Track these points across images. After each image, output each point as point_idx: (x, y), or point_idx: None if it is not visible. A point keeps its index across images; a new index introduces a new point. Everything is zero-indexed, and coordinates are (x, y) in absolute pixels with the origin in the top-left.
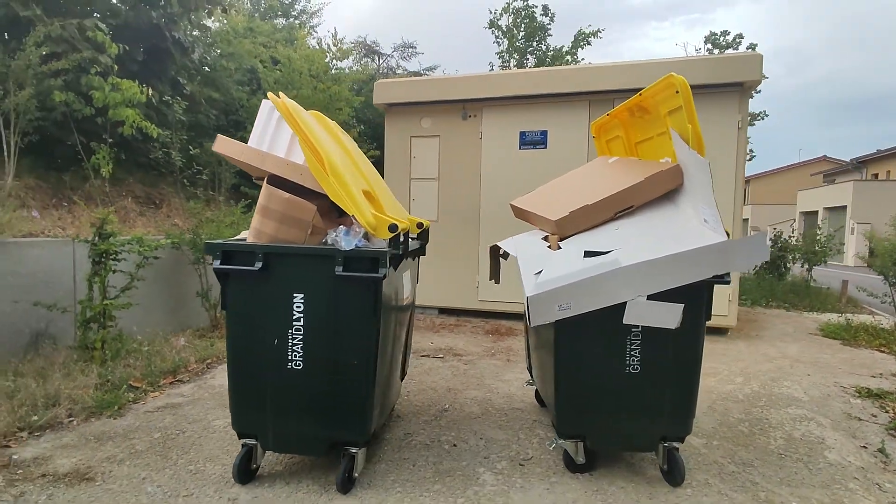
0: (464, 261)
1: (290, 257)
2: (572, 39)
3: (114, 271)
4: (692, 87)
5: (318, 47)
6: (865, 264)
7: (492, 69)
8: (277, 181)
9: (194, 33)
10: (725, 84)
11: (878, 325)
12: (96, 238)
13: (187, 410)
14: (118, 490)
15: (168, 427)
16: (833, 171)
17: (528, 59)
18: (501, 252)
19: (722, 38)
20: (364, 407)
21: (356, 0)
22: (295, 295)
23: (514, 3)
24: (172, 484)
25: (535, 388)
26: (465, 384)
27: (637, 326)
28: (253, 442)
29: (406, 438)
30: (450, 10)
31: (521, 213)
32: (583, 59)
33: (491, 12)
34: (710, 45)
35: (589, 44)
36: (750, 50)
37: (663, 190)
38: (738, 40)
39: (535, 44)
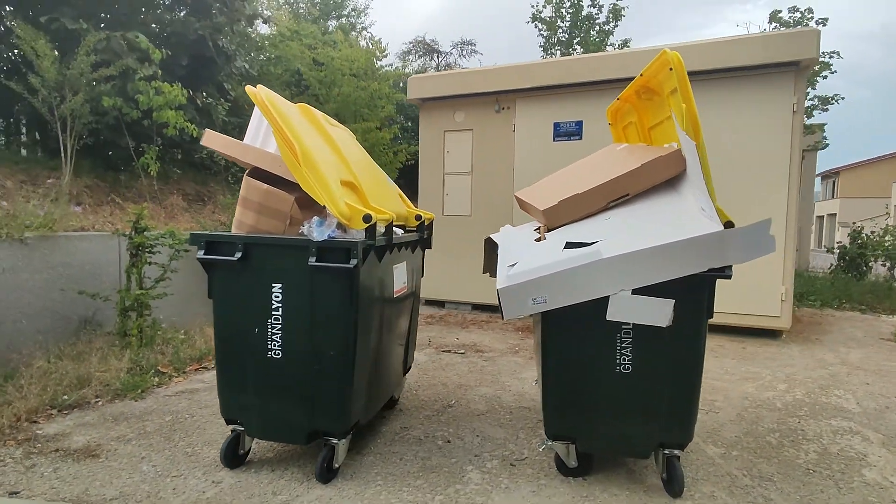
0: None
1: (268, 248)
2: (609, 14)
3: (149, 263)
4: (740, 68)
5: (366, 47)
6: None
7: None
8: (261, 173)
9: (237, 41)
10: (778, 64)
11: None
12: (132, 232)
13: (202, 396)
14: (117, 467)
15: (180, 411)
16: None
17: (574, 49)
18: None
19: (790, 16)
20: (343, 398)
21: (420, 1)
22: (273, 285)
23: None
24: (167, 464)
25: None
26: (478, 381)
27: (628, 323)
28: (240, 428)
29: (401, 432)
30: (512, 6)
31: (523, 205)
32: (628, 41)
33: (532, 6)
34: (775, 24)
35: (623, 16)
36: (820, 26)
37: (662, 177)
38: (807, 17)
39: (581, 35)
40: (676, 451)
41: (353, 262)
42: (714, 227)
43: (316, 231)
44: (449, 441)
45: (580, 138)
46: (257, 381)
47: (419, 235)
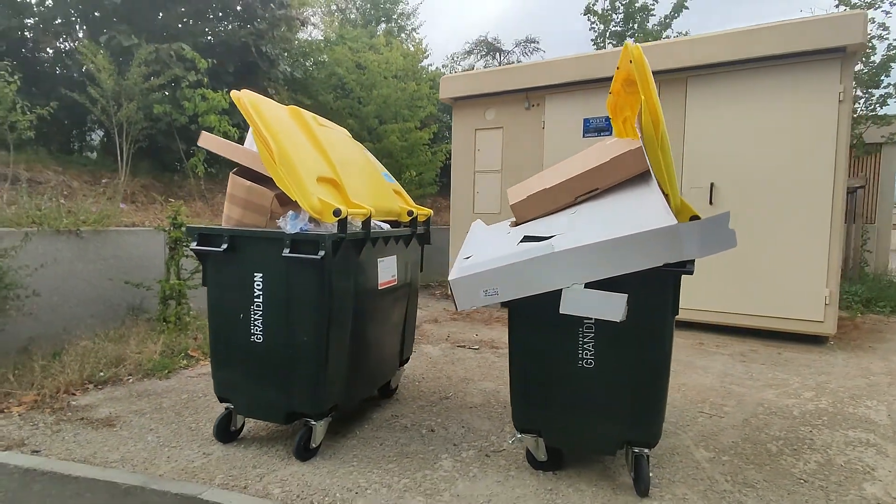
0: None
1: (249, 240)
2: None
3: (186, 256)
4: (780, 56)
5: (409, 49)
6: None
7: None
8: (250, 172)
9: (279, 46)
10: (823, 50)
11: None
12: (170, 227)
13: None
14: (126, 436)
15: (196, 391)
16: None
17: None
18: None
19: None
20: (316, 381)
21: (486, 1)
22: (255, 274)
23: None
24: (169, 436)
25: None
26: (483, 375)
27: (590, 318)
28: (231, 406)
29: (391, 420)
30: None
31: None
32: (685, 34)
33: None
34: (844, 7)
35: (686, 7)
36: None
37: (631, 172)
38: None
39: (634, 26)
40: (645, 451)
41: (321, 253)
42: (668, 221)
43: (289, 224)
44: (433, 430)
45: (610, 134)
46: (242, 363)
47: (411, 230)
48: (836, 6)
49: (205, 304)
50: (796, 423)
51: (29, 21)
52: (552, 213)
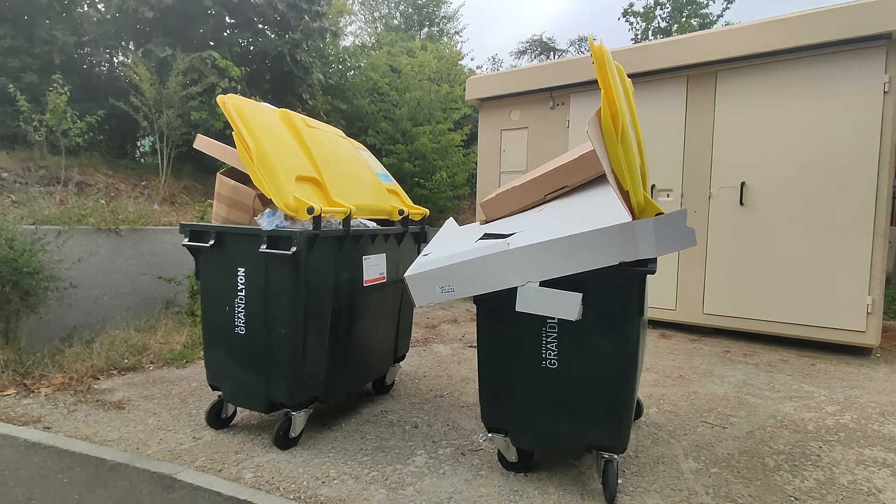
0: None
1: (233, 236)
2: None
3: None
4: (817, 45)
5: (448, 52)
6: None
7: None
8: (239, 172)
9: (313, 55)
10: (866, 38)
11: None
12: None
13: None
14: (130, 419)
15: (205, 380)
16: None
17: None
18: None
19: None
20: (293, 373)
21: (546, 2)
22: (238, 269)
23: None
24: (168, 420)
25: None
26: None
27: (553, 318)
28: (221, 394)
29: (380, 415)
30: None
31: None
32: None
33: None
34: None
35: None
36: None
37: (598, 169)
38: None
39: (683, 19)
40: (614, 456)
41: (294, 249)
42: (621, 219)
43: (266, 221)
44: (416, 427)
45: None
46: (228, 353)
47: (403, 229)
48: None
49: None
50: (807, 437)
51: (84, 38)
52: (521, 212)
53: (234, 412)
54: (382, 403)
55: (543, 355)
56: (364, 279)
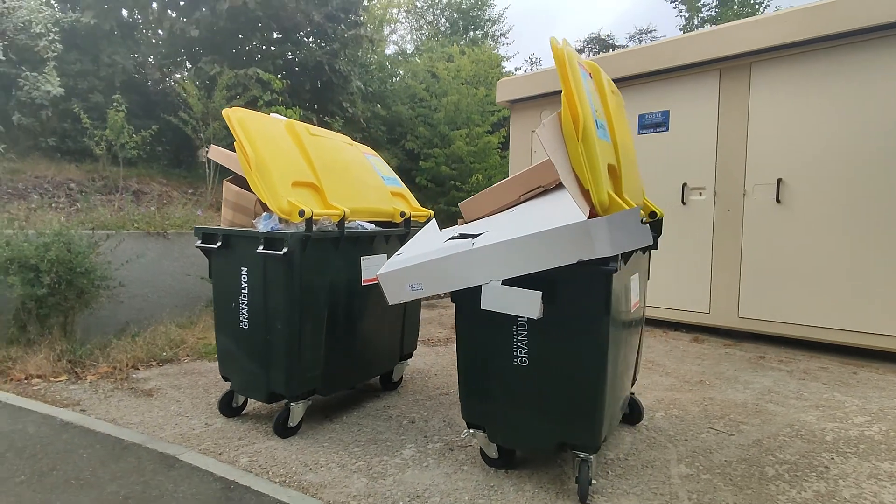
0: None
1: (236, 238)
2: None
3: None
4: (867, 29)
5: (488, 56)
6: None
7: None
8: (243, 179)
9: (352, 63)
10: None
11: None
12: None
13: None
14: (156, 405)
15: None
16: None
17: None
18: None
19: None
20: (289, 365)
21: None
22: (242, 268)
23: None
24: (188, 408)
25: None
26: None
27: (523, 316)
28: (231, 384)
29: (382, 409)
30: None
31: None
32: None
33: None
34: None
35: None
36: None
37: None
38: None
39: (735, 7)
40: (589, 456)
41: (285, 249)
42: (576, 217)
43: (262, 224)
44: (413, 422)
45: (666, 129)
46: (235, 346)
47: (404, 230)
48: None
49: None
50: (821, 448)
51: (142, 59)
52: (498, 212)
53: (245, 402)
54: (387, 399)
55: (515, 353)
56: (363, 279)
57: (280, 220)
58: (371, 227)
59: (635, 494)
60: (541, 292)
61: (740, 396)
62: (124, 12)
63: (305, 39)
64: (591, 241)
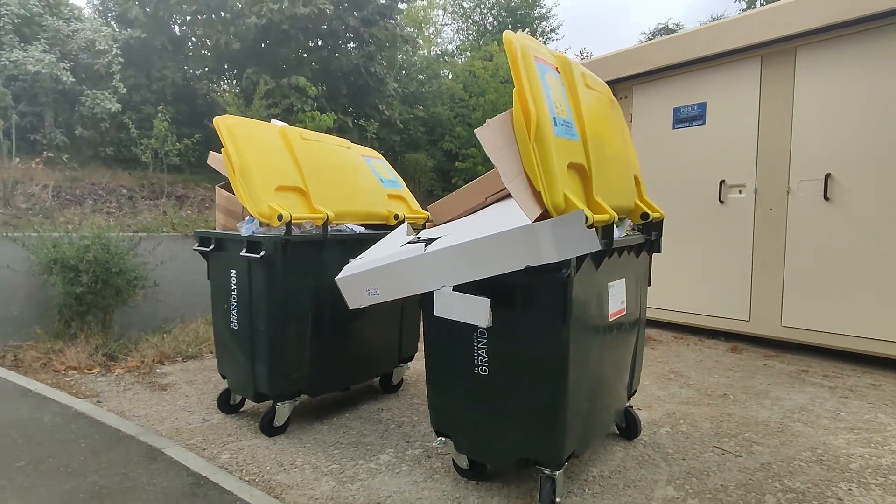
0: None
1: (225, 241)
2: None
3: None
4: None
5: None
6: None
7: None
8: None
9: (389, 65)
10: None
11: None
12: None
13: None
14: (168, 399)
15: None
16: None
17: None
18: None
19: None
20: (272, 366)
21: None
22: (231, 270)
23: None
24: (193, 403)
25: None
26: None
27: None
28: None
29: (375, 412)
30: None
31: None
32: None
33: None
34: None
35: None
36: None
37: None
38: None
39: None
40: (554, 472)
41: (263, 253)
42: (520, 222)
43: (244, 228)
44: (401, 426)
45: (703, 123)
46: (227, 346)
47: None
48: None
49: None
50: (840, 477)
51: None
52: (465, 215)
53: (243, 400)
54: (383, 402)
55: (476, 362)
56: None
57: (261, 224)
58: (360, 229)
59: None
60: (489, 300)
61: (764, 414)
62: (175, 29)
63: (341, 45)
64: (537, 245)
